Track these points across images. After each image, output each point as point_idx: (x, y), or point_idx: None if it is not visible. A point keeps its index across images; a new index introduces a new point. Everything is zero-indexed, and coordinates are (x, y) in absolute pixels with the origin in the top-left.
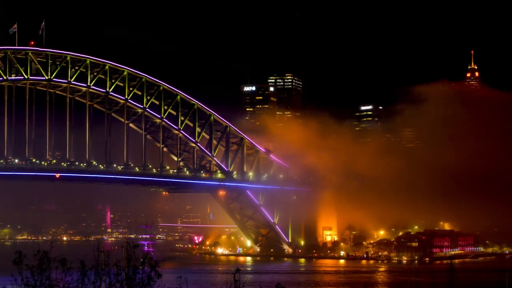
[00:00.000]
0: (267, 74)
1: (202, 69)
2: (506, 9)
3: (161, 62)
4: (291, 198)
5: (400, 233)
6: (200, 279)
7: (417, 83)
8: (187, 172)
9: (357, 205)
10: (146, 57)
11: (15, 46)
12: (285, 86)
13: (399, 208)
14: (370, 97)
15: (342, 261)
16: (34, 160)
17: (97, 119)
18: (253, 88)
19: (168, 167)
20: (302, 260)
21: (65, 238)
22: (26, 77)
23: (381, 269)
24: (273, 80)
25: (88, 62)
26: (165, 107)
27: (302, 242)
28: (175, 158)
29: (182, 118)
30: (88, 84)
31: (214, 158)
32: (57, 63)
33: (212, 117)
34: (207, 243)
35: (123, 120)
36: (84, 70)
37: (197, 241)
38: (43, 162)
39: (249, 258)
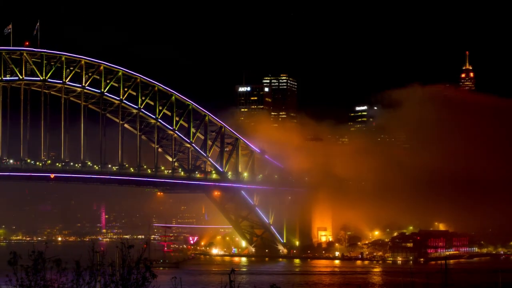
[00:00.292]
0: (262, 75)
1: (197, 70)
2: (500, 10)
3: (155, 62)
4: (286, 199)
5: (395, 234)
6: (195, 280)
7: (412, 83)
8: (182, 173)
9: (352, 206)
10: (140, 57)
11: (10, 46)
12: (280, 87)
13: (394, 209)
14: (365, 98)
15: (337, 262)
16: (29, 160)
17: (92, 120)
18: (248, 89)
19: (163, 168)
20: (297, 260)
21: (60, 239)
22: (20, 77)
23: (376, 270)
24: (268, 81)
25: (83, 62)
26: (160, 108)
27: (297, 243)
28: (170, 159)
29: (177, 119)
30: (83, 84)
31: (209, 159)
32: (52, 63)
33: (207, 118)
34: (202, 243)
35: (118, 120)
36: (79, 71)
37: (192, 242)
38: (38, 163)
39: (244, 259)
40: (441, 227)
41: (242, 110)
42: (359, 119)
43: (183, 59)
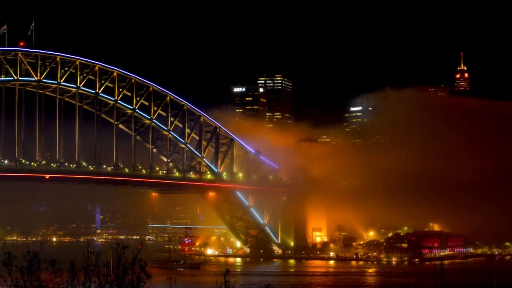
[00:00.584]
0: (257, 75)
1: (192, 70)
2: (495, 11)
3: (150, 63)
4: (281, 199)
5: (390, 234)
6: (190, 280)
7: (407, 83)
8: (177, 173)
9: (347, 206)
10: (135, 58)
11: (5, 47)
12: (275, 87)
13: (389, 209)
14: (359, 99)
15: (331, 262)
16: (23, 161)
17: (87, 120)
18: (243, 89)
19: (157, 168)
20: (292, 261)
21: (54, 239)
22: (15, 78)
23: (370, 270)
24: (263, 81)
25: (77, 63)
26: (155, 108)
27: (292, 243)
28: (165, 159)
29: (172, 119)
30: (78, 85)
31: (204, 159)
32: (47, 64)
33: (201, 118)
34: (197, 244)
35: (112, 121)
36: (74, 71)
37: (186, 242)
38: (32, 163)
39: (238, 259)
40: (436, 227)
41: (237, 110)
42: (354, 120)
43: (178, 59)
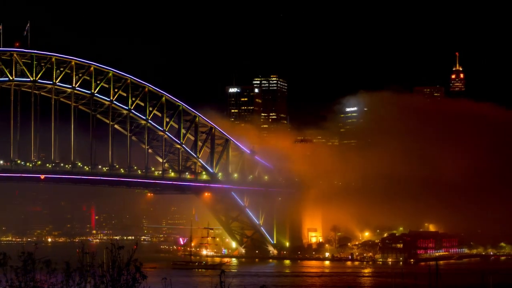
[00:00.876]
0: (252, 76)
1: (187, 71)
2: (490, 11)
3: (145, 63)
4: (276, 200)
5: (385, 235)
6: (185, 281)
7: (402, 84)
8: (172, 174)
9: (342, 207)
10: (131, 58)
11: (0, 47)
12: (270, 88)
13: (384, 210)
14: (355, 99)
15: (327, 263)
16: (19, 161)
17: (82, 121)
18: (238, 90)
19: (153, 169)
20: (287, 261)
21: (50, 240)
22: (11, 78)
23: (366, 271)
24: (258, 82)
25: (73, 63)
26: (150, 109)
27: (287, 244)
28: (160, 160)
29: (167, 120)
30: (73, 85)
31: (199, 160)
32: (42, 64)
33: (197, 119)
34: (192, 244)
35: (108, 121)
36: (69, 72)
37: (182, 243)
38: (28, 164)
39: (234, 260)
40: (431, 228)
41: (233, 111)
42: (349, 120)
43: (174, 60)
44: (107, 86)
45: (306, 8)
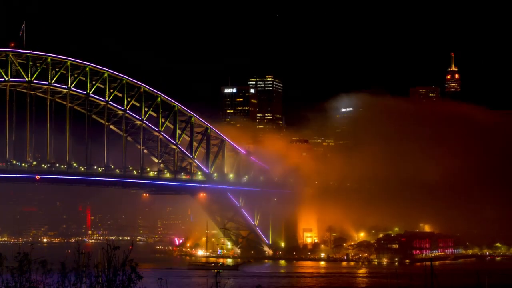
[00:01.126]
0: (247, 76)
1: (183, 71)
2: (485, 11)
3: (141, 64)
4: (272, 200)
5: (381, 235)
6: (180, 282)
7: (398, 84)
8: (168, 174)
9: (338, 207)
10: (126, 59)
11: None
12: (266, 88)
13: (380, 210)
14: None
15: (322, 263)
16: (14, 162)
17: (78, 121)
18: (234, 90)
19: (148, 169)
20: (283, 262)
21: (45, 240)
22: (6, 78)
23: (361, 271)
24: (254, 82)
25: (68, 64)
26: (146, 109)
27: (283, 244)
28: (156, 160)
29: (163, 120)
30: (69, 86)
31: (195, 160)
32: (38, 65)
33: (192, 119)
34: (188, 245)
35: (103, 122)
36: (65, 72)
37: (177, 243)
38: (23, 164)
39: (229, 260)
40: (427, 228)
41: (228, 111)
42: (345, 121)
43: (169, 60)
44: (102, 86)
45: (302, 9)
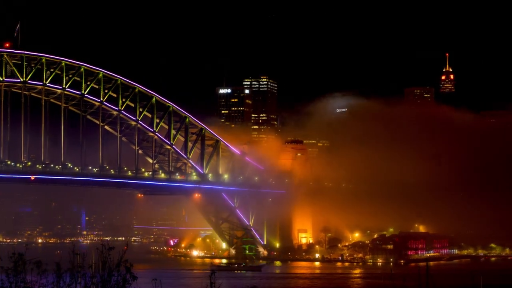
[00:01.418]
0: (242, 77)
1: (178, 71)
2: (480, 12)
3: (136, 64)
4: (267, 201)
5: (375, 236)
6: (176, 282)
7: (392, 85)
8: (163, 175)
9: (332, 208)
10: (121, 59)
11: None
12: (261, 89)
13: (374, 211)
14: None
15: (317, 264)
16: (9, 162)
17: (72, 121)
18: (229, 91)
19: (143, 170)
20: (278, 262)
21: (40, 240)
22: (1, 79)
23: (356, 272)
24: (248, 83)
25: (63, 64)
26: (141, 110)
27: (278, 245)
28: (150, 161)
29: (158, 121)
30: (63, 86)
31: (190, 161)
32: (32, 65)
33: (187, 119)
34: (182, 245)
35: (98, 122)
36: (59, 72)
37: (172, 244)
38: (18, 164)
39: (224, 261)
40: (421, 229)
41: (223, 112)
42: (340, 121)
43: (164, 60)
44: (97, 87)
45: (297, 9)
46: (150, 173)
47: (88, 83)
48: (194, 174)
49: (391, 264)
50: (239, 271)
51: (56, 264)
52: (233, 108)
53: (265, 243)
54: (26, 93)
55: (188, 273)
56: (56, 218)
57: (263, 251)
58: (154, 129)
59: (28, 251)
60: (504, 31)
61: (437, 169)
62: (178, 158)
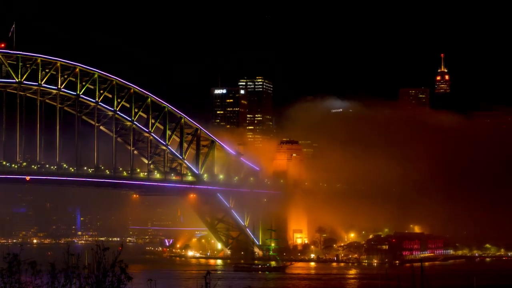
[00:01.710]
0: (237, 77)
1: (173, 72)
2: (475, 12)
3: (131, 64)
4: (262, 201)
5: (370, 236)
6: (170, 283)
7: (388, 86)
8: (158, 175)
9: (328, 208)
10: (116, 59)
11: None
12: (256, 89)
13: (369, 211)
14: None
15: (312, 264)
16: (4, 162)
17: (68, 122)
18: (224, 91)
19: (138, 170)
20: (273, 262)
21: (35, 241)
22: None
23: (351, 272)
24: (244, 83)
25: (58, 64)
26: (136, 110)
27: (273, 245)
28: (146, 161)
29: (153, 121)
30: (59, 87)
31: (185, 161)
32: (28, 65)
33: (182, 120)
34: (178, 246)
35: (93, 123)
36: (55, 73)
37: (167, 244)
38: (13, 165)
39: (219, 261)
40: (416, 229)
41: (218, 112)
42: (336, 121)
43: (159, 61)
44: (92, 87)
45: (292, 10)
46: (146, 173)
47: (83, 83)
48: (189, 174)
49: (386, 264)
50: (260, 272)
51: (51, 265)
52: (229, 109)
53: (260, 243)
54: (22, 93)
55: (187, 274)
56: (51, 219)
57: (258, 252)
58: (150, 129)
59: (23, 251)
60: (499, 31)
61: (432, 170)
62: (174, 159)
